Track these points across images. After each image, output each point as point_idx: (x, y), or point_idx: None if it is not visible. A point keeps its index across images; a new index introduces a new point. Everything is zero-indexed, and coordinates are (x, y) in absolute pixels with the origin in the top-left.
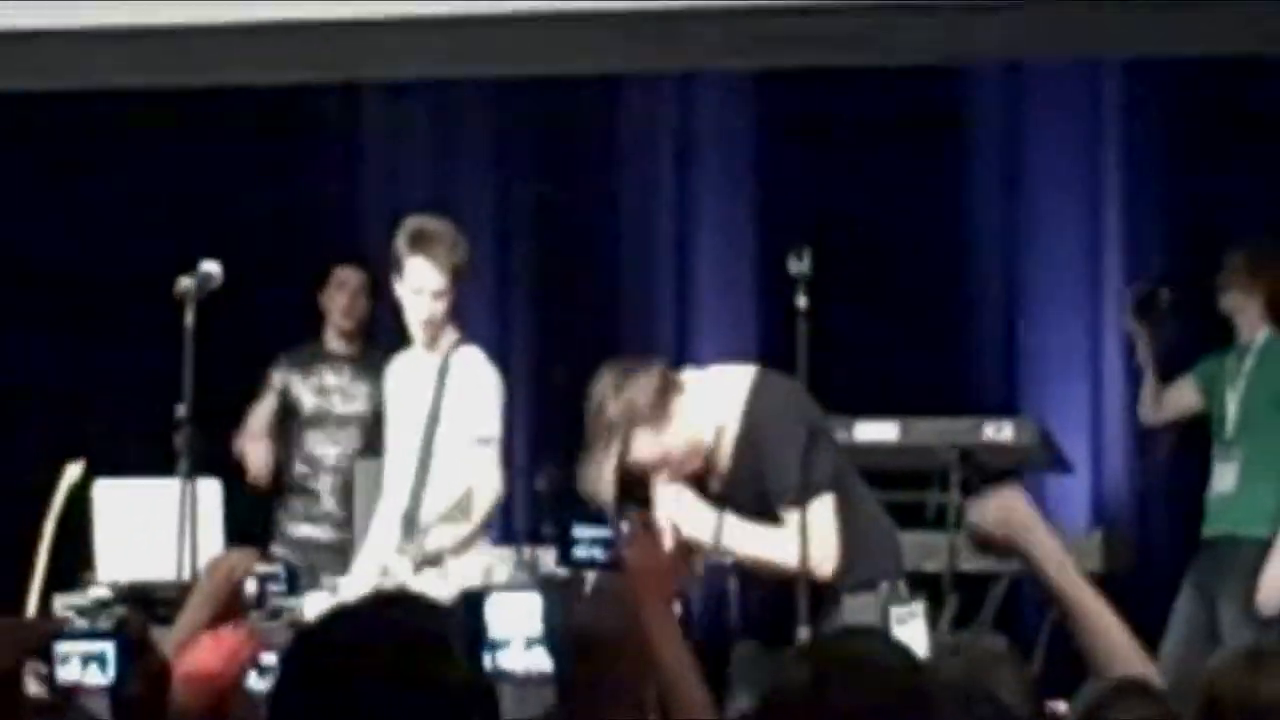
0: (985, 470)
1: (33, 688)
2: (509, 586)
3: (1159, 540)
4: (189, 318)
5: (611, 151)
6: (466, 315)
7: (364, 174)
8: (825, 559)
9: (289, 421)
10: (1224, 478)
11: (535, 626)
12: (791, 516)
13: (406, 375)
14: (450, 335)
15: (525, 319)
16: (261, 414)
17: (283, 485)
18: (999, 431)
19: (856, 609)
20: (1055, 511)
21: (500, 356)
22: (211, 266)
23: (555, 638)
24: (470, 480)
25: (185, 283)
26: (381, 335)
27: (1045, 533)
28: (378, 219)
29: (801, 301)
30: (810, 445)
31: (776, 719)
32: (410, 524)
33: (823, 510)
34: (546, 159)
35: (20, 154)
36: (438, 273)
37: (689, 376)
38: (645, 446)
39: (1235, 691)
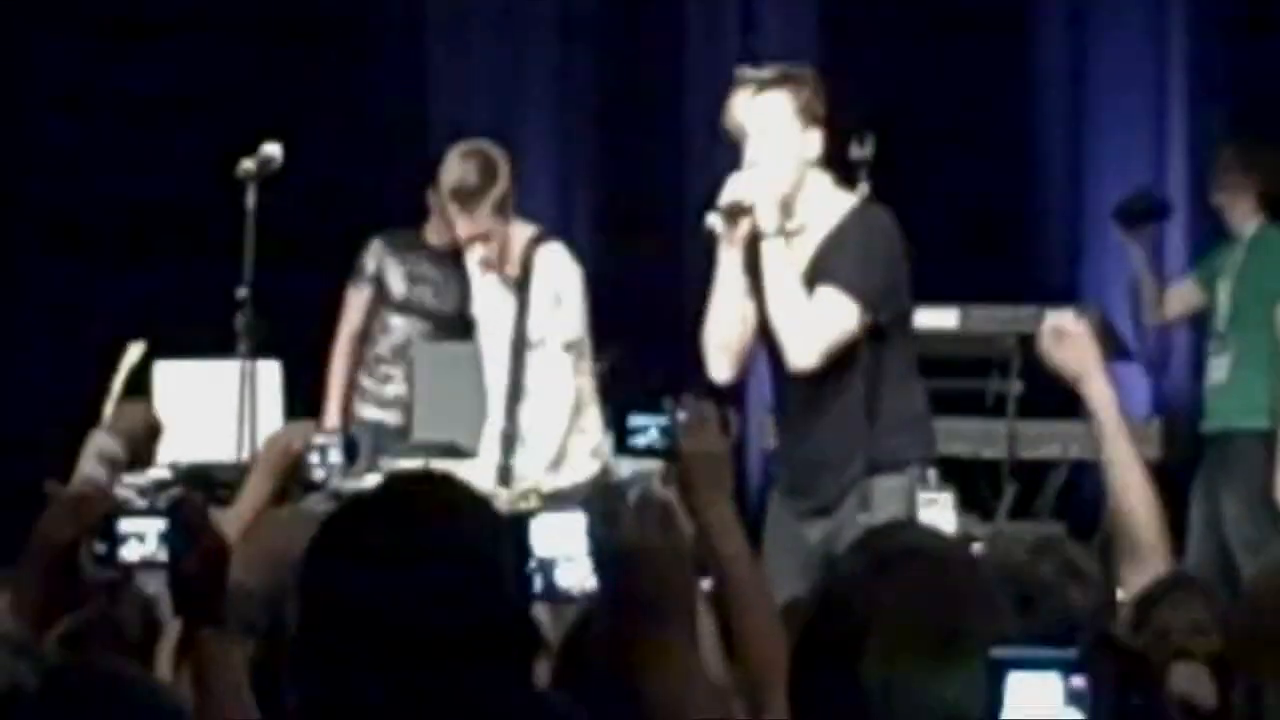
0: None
1: (89, 567)
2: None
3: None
4: (250, 199)
5: (676, 45)
6: (526, 196)
7: (428, 60)
8: (810, 350)
9: (377, 302)
10: (1217, 370)
11: (581, 545)
12: (824, 291)
13: (491, 285)
14: (522, 237)
15: (586, 203)
16: (350, 328)
17: (362, 360)
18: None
19: (885, 489)
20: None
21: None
22: (273, 149)
23: (599, 555)
24: (549, 392)
25: (247, 164)
26: None
27: (1103, 381)
28: (442, 101)
29: (863, 187)
30: (887, 270)
31: (833, 608)
32: (509, 443)
33: (846, 312)
34: (611, 54)
35: (85, 35)
36: (477, 224)
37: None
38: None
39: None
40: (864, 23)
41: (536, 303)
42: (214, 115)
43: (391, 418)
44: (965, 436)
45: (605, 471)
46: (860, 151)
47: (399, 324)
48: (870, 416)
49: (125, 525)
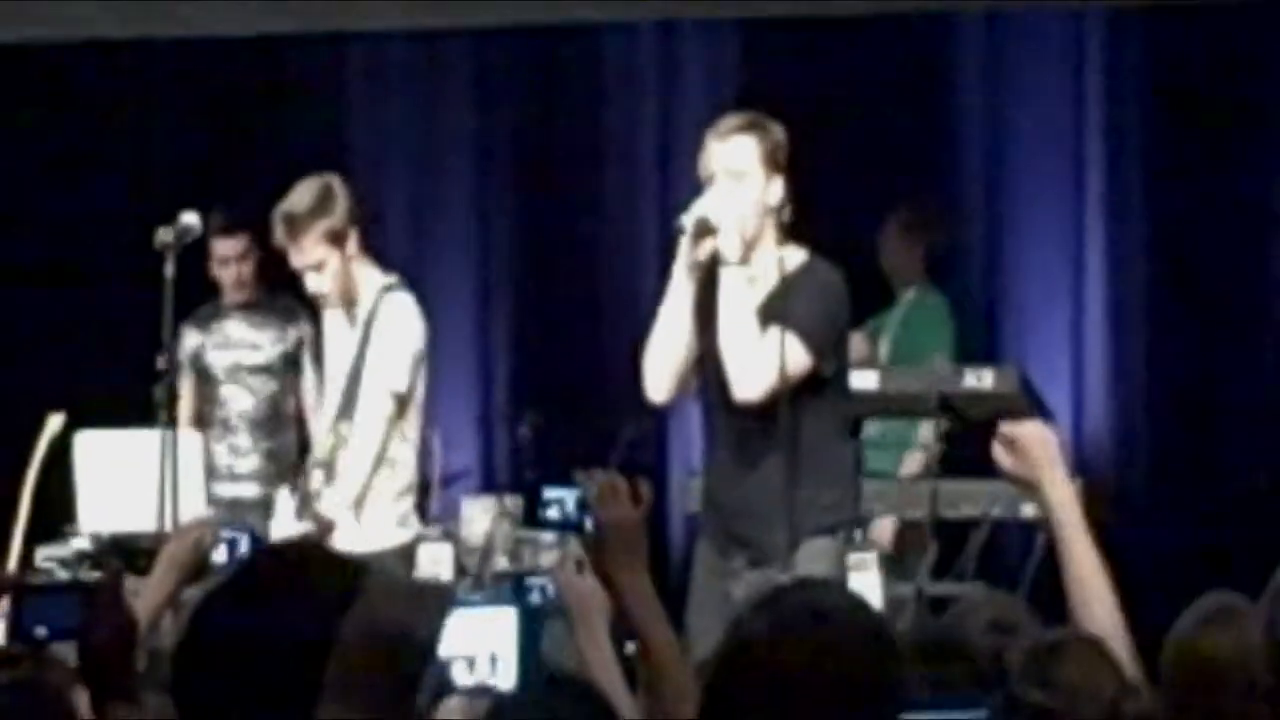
0: (965, 418)
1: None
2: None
3: (1138, 487)
4: (169, 269)
5: (594, 99)
6: (448, 263)
7: (347, 124)
8: (757, 383)
9: (201, 384)
10: (872, 424)
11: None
12: (774, 333)
13: (337, 318)
14: (375, 283)
15: (506, 269)
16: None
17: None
18: (979, 379)
19: (813, 551)
20: None
21: (481, 303)
22: (191, 218)
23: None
24: (361, 435)
25: (164, 235)
26: None
27: (1062, 482)
28: (362, 168)
29: (790, 253)
30: (835, 324)
31: (735, 669)
32: (329, 476)
33: (796, 353)
34: (528, 109)
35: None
36: (304, 253)
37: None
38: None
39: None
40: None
41: (374, 350)
42: (134, 181)
43: (248, 491)
44: (889, 495)
45: (414, 541)
46: (781, 216)
47: (231, 392)
48: (801, 471)
49: (35, 598)
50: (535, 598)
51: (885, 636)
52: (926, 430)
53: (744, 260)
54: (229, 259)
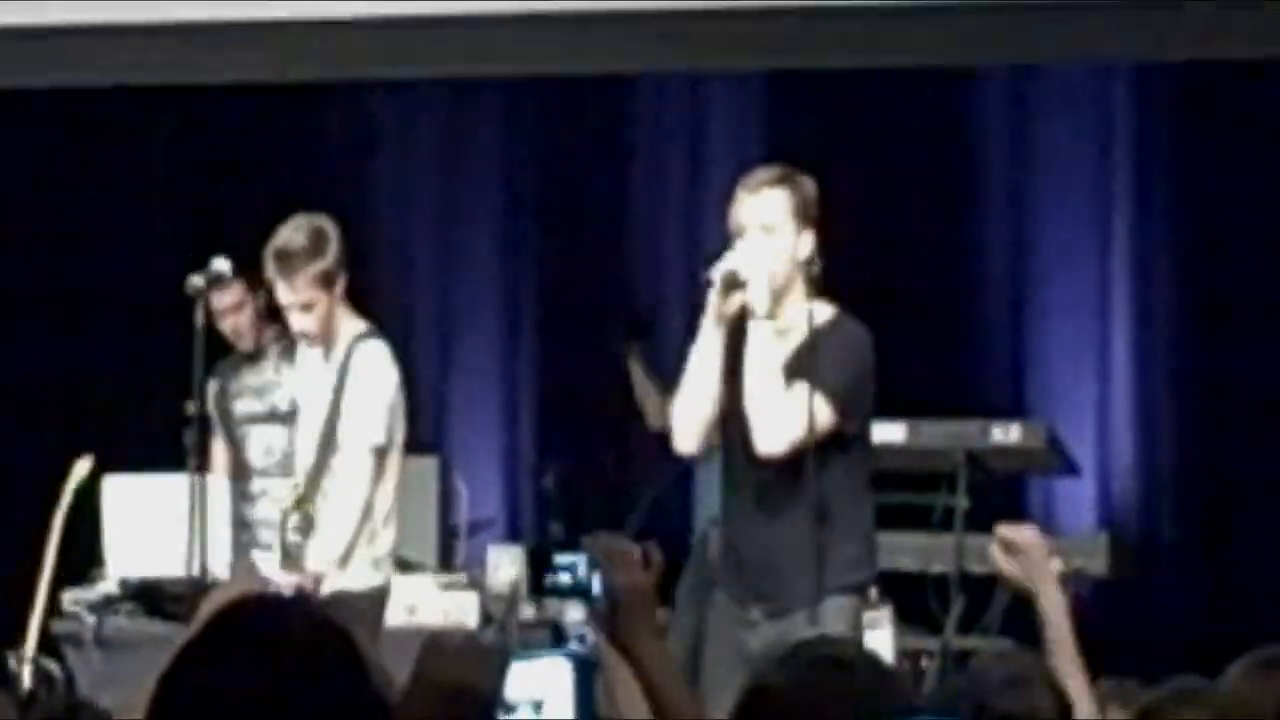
0: (993, 473)
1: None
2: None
3: (1165, 543)
4: (199, 315)
5: (622, 149)
6: (475, 313)
7: (375, 172)
8: (781, 437)
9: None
10: (705, 477)
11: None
12: (800, 388)
13: (315, 360)
14: (350, 330)
15: (532, 317)
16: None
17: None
18: (1006, 434)
19: (834, 609)
20: (1061, 513)
21: (508, 352)
22: (222, 264)
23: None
24: (345, 491)
25: (196, 280)
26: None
27: (1055, 593)
28: (389, 216)
29: (818, 307)
30: (860, 381)
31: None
32: (306, 530)
33: (822, 411)
34: (556, 160)
35: (29, 151)
36: (295, 292)
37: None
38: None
39: None
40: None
41: (349, 400)
42: (164, 227)
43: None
44: (913, 551)
45: (386, 587)
46: (810, 270)
47: (245, 440)
48: (823, 526)
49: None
50: (575, 647)
51: (900, 689)
52: None
53: (772, 314)
54: (224, 312)
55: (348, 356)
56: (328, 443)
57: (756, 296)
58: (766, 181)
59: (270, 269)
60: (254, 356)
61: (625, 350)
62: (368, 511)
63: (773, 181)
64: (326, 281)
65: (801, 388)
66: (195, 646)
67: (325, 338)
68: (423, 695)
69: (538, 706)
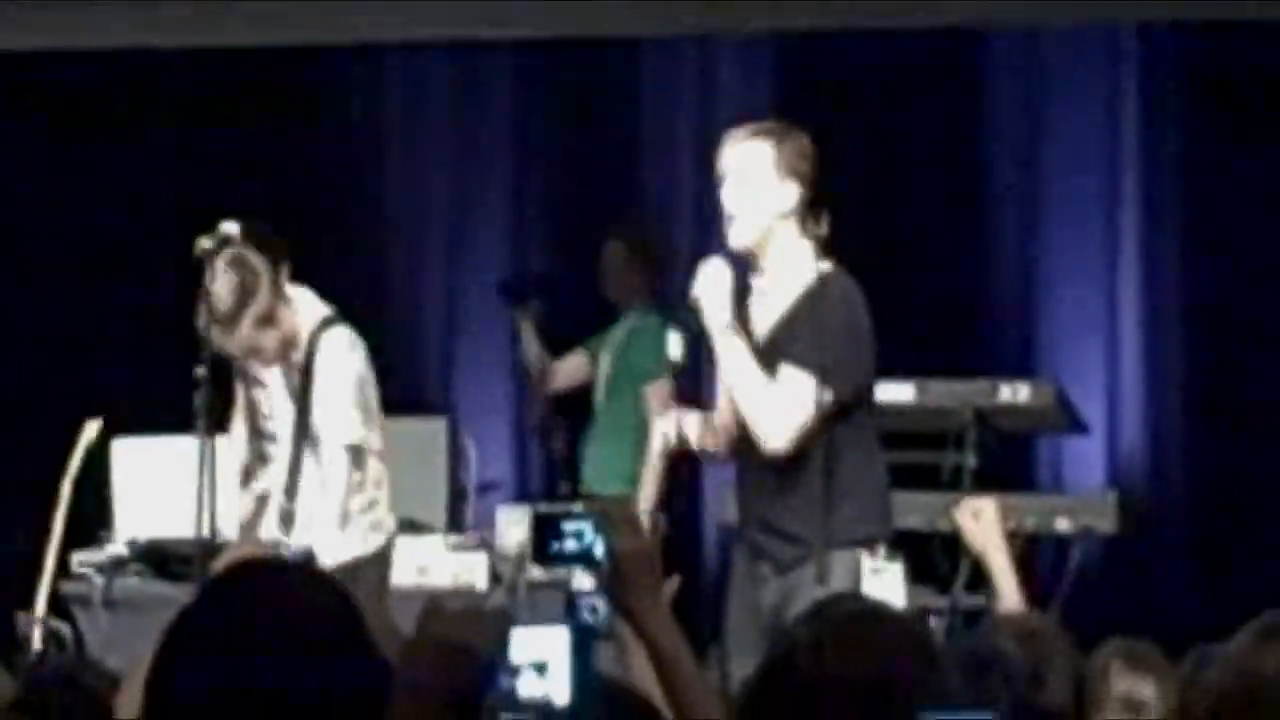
0: (1001, 432)
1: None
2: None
3: (1174, 501)
4: (208, 277)
5: (632, 111)
6: (483, 274)
7: (384, 136)
8: (778, 433)
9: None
10: (590, 440)
11: (560, 658)
12: (786, 371)
13: (274, 373)
14: (309, 320)
15: (542, 281)
16: None
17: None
18: (1015, 393)
19: (842, 564)
20: (1070, 472)
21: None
22: (231, 227)
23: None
24: (326, 488)
25: (205, 243)
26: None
27: (1005, 559)
28: (398, 180)
29: (821, 264)
30: (848, 342)
31: (778, 674)
32: (288, 520)
33: (808, 391)
34: (565, 123)
35: (41, 113)
36: (240, 342)
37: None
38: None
39: None
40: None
41: (318, 394)
42: (172, 190)
43: None
44: (921, 509)
45: (390, 545)
46: (816, 229)
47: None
48: (829, 488)
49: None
50: (586, 617)
51: (926, 642)
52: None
53: (759, 268)
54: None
55: (310, 349)
56: (301, 438)
57: (710, 315)
58: (749, 133)
59: (213, 335)
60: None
61: (516, 314)
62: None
63: (754, 134)
64: (266, 320)
65: (785, 373)
66: (198, 605)
67: (284, 354)
68: (423, 656)
69: (541, 669)
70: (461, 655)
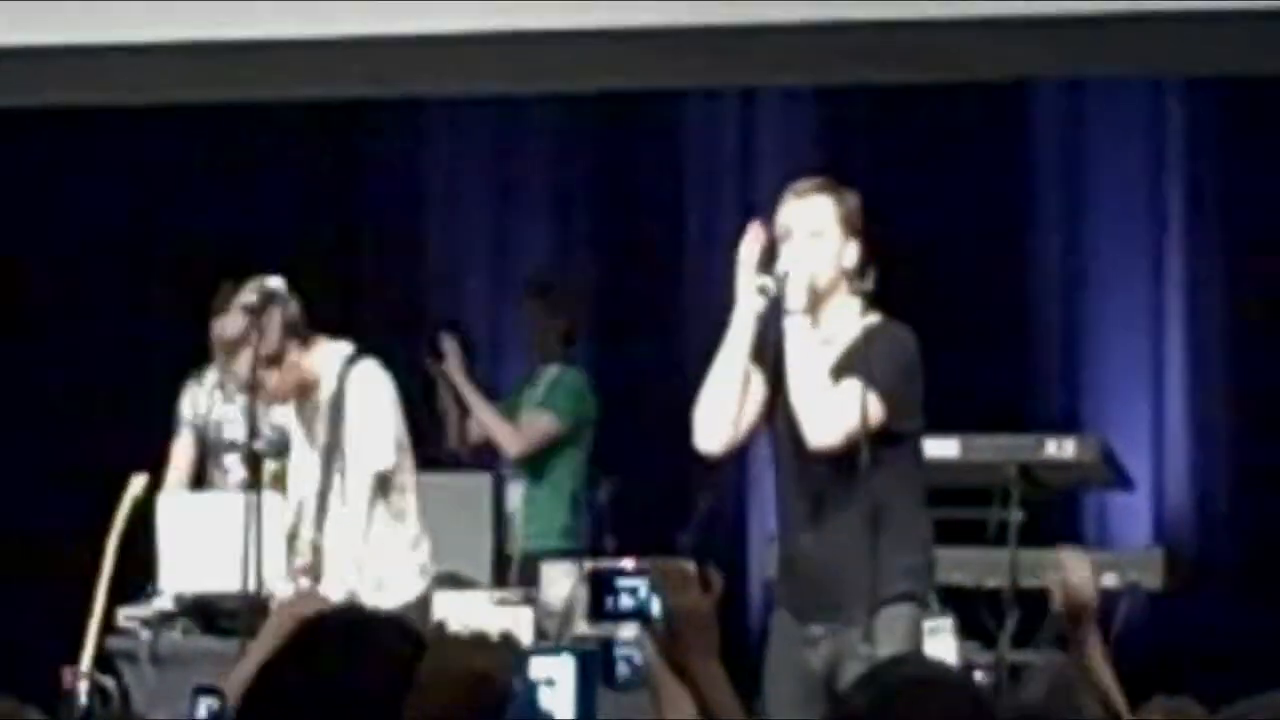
0: (1047, 487)
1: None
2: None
3: (1221, 558)
4: (254, 334)
5: (673, 167)
6: (526, 328)
7: (425, 188)
8: (833, 433)
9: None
10: (515, 496)
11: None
12: (849, 384)
13: (289, 412)
14: (334, 357)
15: (585, 335)
16: None
17: None
18: (1061, 448)
19: (889, 620)
20: (1116, 528)
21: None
22: (276, 282)
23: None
24: (349, 520)
25: (248, 298)
26: None
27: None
28: (439, 232)
29: (868, 318)
30: (909, 382)
31: None
32: (318, 553)
33: (870, 403)
34: (606, 176)
35: (89, 170)
36: (241, 373)
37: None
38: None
39: None
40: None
41: (351, 426)
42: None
43: None
44: (967, 565)
45: (430, 589)
46: (862, 283)
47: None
48: (880, 534)
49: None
50: (623, 669)
51: (985, 707)
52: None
53: (815, 321)
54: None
55: (341, 382)
56: (330, 464)
57: (793, 292)
58: (814, 188)
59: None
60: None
61: (431, 365)
62: (396, 515)
63: (820, 188)
64: (274, 360)
65: (850, 383)
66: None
67: (286, 395)
68: (435, 686)
69: (550, 683)
70: (475, 681)
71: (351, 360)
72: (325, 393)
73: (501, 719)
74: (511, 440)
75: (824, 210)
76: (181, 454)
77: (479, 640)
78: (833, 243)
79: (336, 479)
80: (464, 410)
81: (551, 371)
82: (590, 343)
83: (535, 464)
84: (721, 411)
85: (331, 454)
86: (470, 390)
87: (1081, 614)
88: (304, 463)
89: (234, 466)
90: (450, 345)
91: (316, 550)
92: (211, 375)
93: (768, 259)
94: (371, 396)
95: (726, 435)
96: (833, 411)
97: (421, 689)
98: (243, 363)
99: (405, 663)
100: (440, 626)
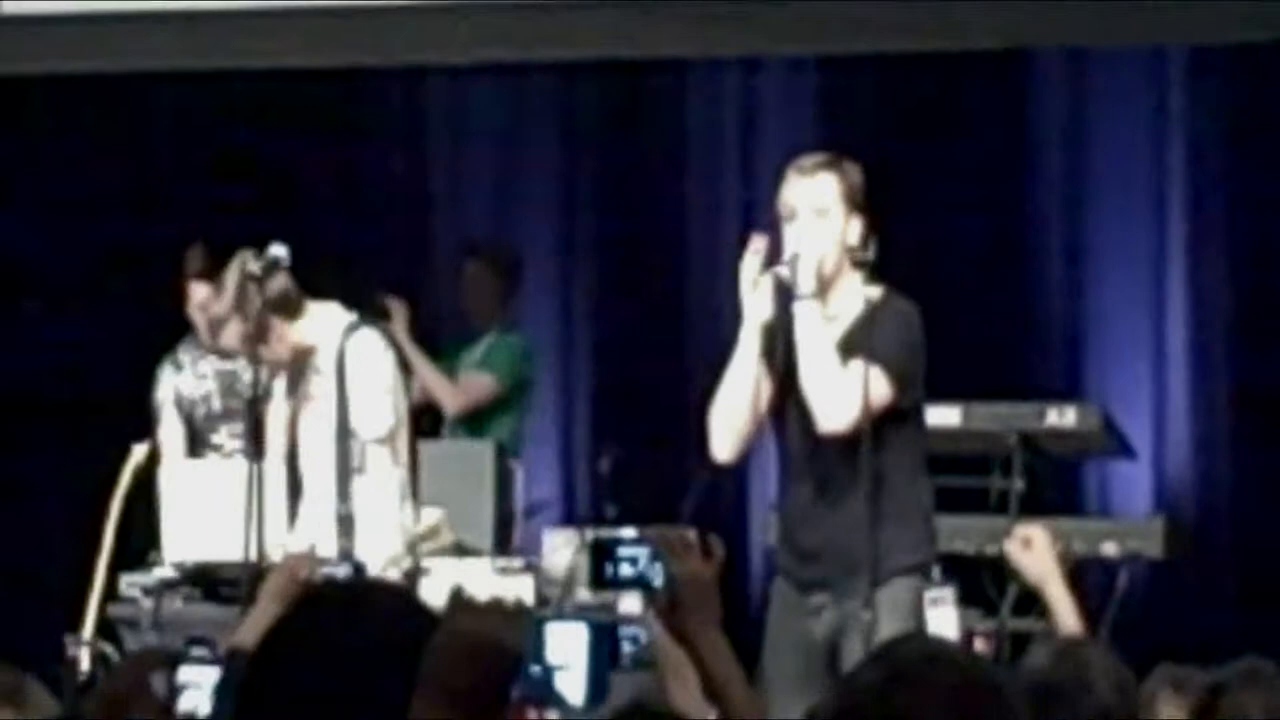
0: (1048, 455)
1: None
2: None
3: (1220, 526)
4: (256, 300)
5: (674, 139)
6: (529, 300)
7: (429, 159)
8: (843, 416)
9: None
10: None
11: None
12: (857, 364)
13: (312, 367)
14: (335, 324)
15: (588, 303)
16: None
17: None
18: (1062, 416)
19: (892, 591)
20: (1117, 496)
21: (564, 337)
22: (279, 250)
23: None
24: (373, 480)
25: (252, 265)
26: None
27: (1062, 587)
28: (444, 204)
29: (870, 291)
30: (914, 357)
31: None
32: (347, 524)
33: (879, 382)
34: (609, 147)
35: (83, 134)
36: (226, 341)
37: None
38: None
39: None
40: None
41: (353, 391)
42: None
43: None
44: (968, 533)
45: (416, 569)
46: (863, 254)
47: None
48: (879, 507)
49: (185, 674)
50: (627, 647)
51: (998, 683)
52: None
53: (821, 298)
54: (205, 305)
55: (341, 350)
56: (344, 433)
57: (802, 277)
58: (818, 165)
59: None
60: (223, 356)
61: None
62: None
63: (824, 165)
64: (259, 335)
65: (857, 363)
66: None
67: (280, 363)
68: (451, 648)
69: (563, 652)
70: (490, 649)
71: (353, 327)
72: (324, 360)
73: (514, 685)
74: (451, 398)
75: (828, 187)
76: (171, 435)
77: (494, 607)
78: (838, 220)
79: (354, 447)
80: (405, 371)
81: (491, 334)
82: (591, 310)
83: (473, 424)
84: (735, 423)
85: (343, 420)
86: (413, 350)
87: (1042, 585)
88: (309, 431)
89: (225, 441)
90: (396, 306)
91: (345, 523)
92: (188, 353)
93: (772, 255)
94: (371, 362)
95: (738, 446)
96: (844, 397)
97: (435, 654)
98: (231, 334)
99: (409, 632)
100: (458, 593)
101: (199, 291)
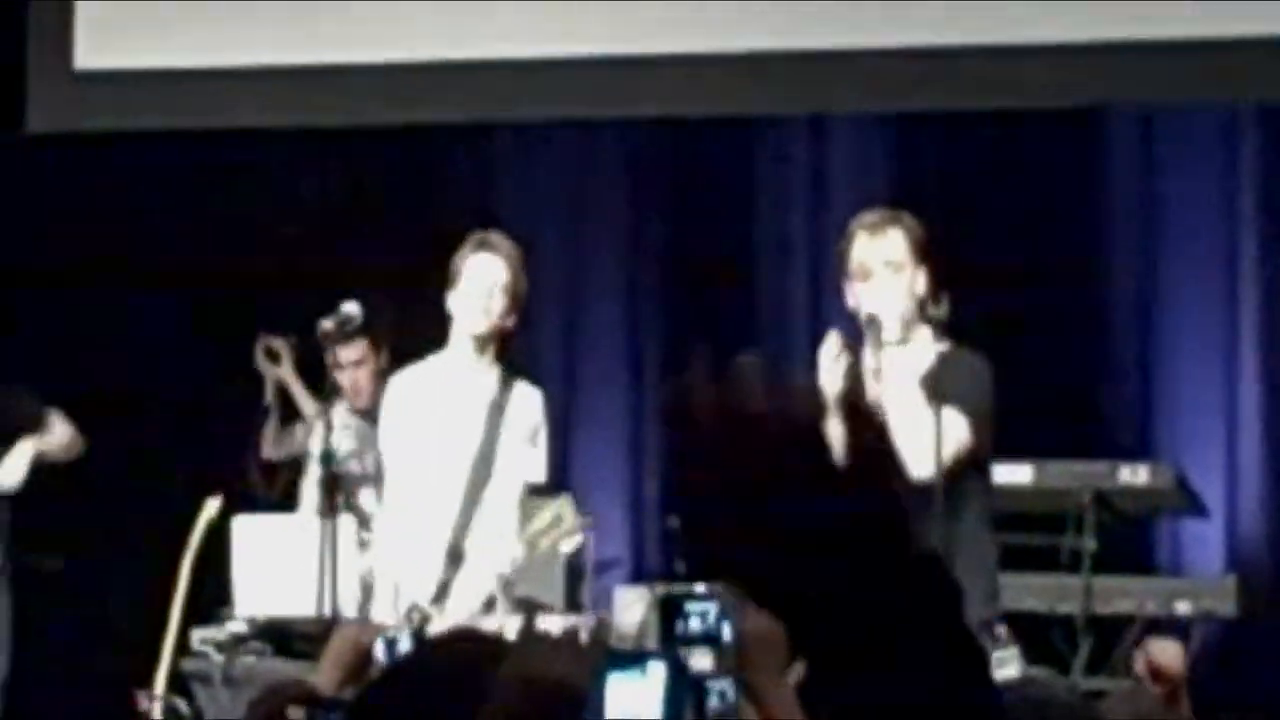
0: (1120, 514)
1: None
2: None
3: None
4: (329, 357)
5: (744, 196)
6: (599, 354)
7: (496, 214)
8: (926, 462)
9: None
10: None
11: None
12: (946, 413)
13: (444, 392)
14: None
15: (656, 358)
16: None
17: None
18: (1134, 475)
19: None
20: (1189, 555)
21: (633, 391)
22: (351, 307)
23: None
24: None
25: (326, 324)
26: None
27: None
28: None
29: (940, 345)
30: (989, 409)
31: None
32: (454, 562)
33: (960, 428)
34: (678, 203)
35: (165, 191)
36: (504, 267)
37: None
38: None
39: None
40: (932, 177)
41: (512, 431)
42: (283, 269)
43: None
44: (1040, 592)
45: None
46: (936, 310)
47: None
48: (955, 560)
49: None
50: (714, 701)
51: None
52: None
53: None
54: (345, 365)
55: (503, 388)
56: (481, 480)
57: (889, 326)
58: (885, 221)
59: (471, 252)
60: (367, 414)
61: (265, 367)
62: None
63: (891, 221)
64: (515, 295)
65: (948, 414)
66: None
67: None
68: (516, 685)
69: (631, 693)
70: (554, 686)
71: (515, 377)
72: (479, 391)
73: None
74: None
75: (898, 243)
76: (311, 489)
77: (568, 642)
78: (908, 274)
79: (484, 497)
80: (289, 416)
81: None
82: (662, 367)
83: None
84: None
85: (484, 467)
86: (303, 393)
87: (1175, 691)
88: (448, 472)
89: (366, 501)
90: (283, 347)
91: (454, 556)
92: (340, 414)
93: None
94: (538, 416)
95: None
96: (929, 444)
97: (502, 686)
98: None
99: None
100: (530, 627)
101: (347, 353)
